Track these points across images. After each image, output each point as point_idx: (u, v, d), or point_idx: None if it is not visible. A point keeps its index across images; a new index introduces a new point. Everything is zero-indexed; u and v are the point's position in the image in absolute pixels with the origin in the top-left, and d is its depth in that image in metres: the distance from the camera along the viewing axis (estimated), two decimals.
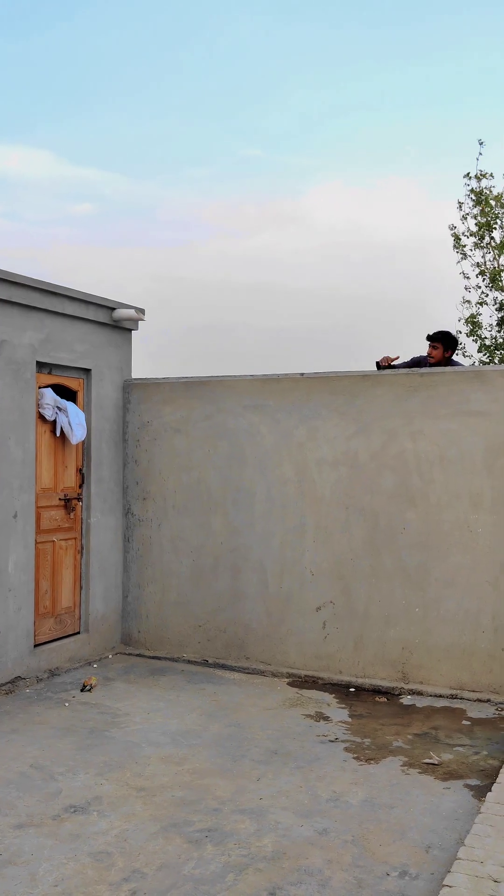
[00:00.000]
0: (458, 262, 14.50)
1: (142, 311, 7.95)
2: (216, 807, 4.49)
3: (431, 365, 7.07)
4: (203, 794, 4.65)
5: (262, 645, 7.22)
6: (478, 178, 14.14)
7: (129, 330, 8.16)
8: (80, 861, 3.89)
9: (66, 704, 6.21)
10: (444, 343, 7.14)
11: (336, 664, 6.91)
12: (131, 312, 7.83)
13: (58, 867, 3.83)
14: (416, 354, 7.35)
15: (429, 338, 7.16)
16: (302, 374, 7.16)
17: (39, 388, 7.00)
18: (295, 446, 7.13)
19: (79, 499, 7.47)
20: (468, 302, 14.44)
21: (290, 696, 6.49)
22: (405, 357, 7.33)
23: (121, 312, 7.80)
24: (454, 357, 7.38)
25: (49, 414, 7.02)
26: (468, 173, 14.29)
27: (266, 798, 4.60)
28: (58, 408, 7.09)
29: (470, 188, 14.24)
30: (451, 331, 7.33)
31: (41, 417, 6.99)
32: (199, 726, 5.78)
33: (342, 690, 6.68)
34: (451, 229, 14.46)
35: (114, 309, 7.77)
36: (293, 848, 4.05)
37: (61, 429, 7.12)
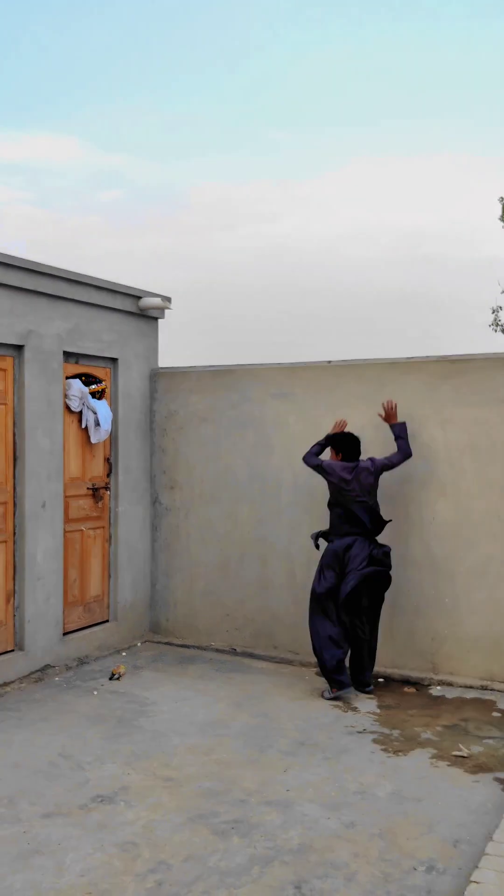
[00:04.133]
0: None
1: (168, 299, 7.92)
2: (243, 798, 4.48)
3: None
4: (230, 785, 4.64)
5: (290, 634, 7.20)
6: None
7: (156, 318, 8.13)
8: (106, 851, 3.90)
9: (95, 693, 6.25)
10: (339, 448, 6.44)
11: None
12: (157, 301, 7.80)
13: (84, 857, 3.85)
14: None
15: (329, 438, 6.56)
16: (329, 362, 7.09)
17: (66, 378, 7.00)
18: (322, 435, 7.06)
19: (107, 488, 7.49)
20: None
21: (318, 686, 6.46)
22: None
23: (147, 301, 7.77)
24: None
25: (75, 405, 7.04)
26: None
27: (293, 790, 4.59)
28: (86, 405, 7.11)
29: None
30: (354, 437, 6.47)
31: (68, 408, 7.01)
32: (227, 716, 5.78)
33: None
34: (501, 200, 14.32)
35: (140, 297, 7.75)
36: (320, 841, 4.03)
37: (86, 423, 7.14)
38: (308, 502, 7.12)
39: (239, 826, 4.16)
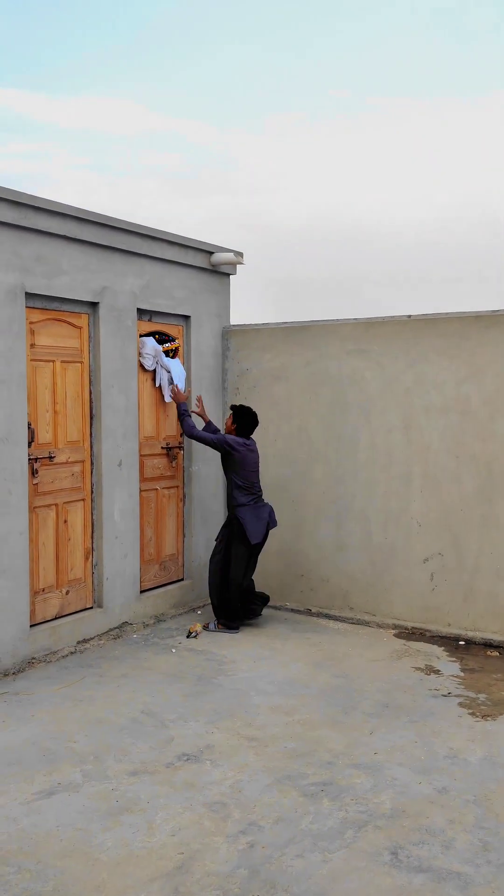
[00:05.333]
0: None
1: (240, 254, 7.74)
2: (329, 760, 4.42)
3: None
4: (315, 747, 4.58)
5: (367, 595, 7.08)
6: None
7: (228, 275, 7.97)
8: (195, 811, 3.88)
9: (173, 651, 6.25)
10: (235, 415, 6.86)
11: (444, 616, 6.71)
12: (230, 256, 7.63)
13: (174, 816, 3.83)
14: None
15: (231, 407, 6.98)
16: (409, 317, 6.85)
17: (140, 336, 6.92)
18: (401, 392, 6.86)
19: (180, 447, 7.42)
20: None
21: (398, 648, 6.35)
22: None
23: (219, 256, 7.61)
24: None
25: (149, 364, 6.96)
26: None
27: (381, 753, 4.50)
28: (160, 364, 7.03)
29: None
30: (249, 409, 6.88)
31: (142, 367, 6.93)
32: (307, 676, 5.71)
33: (451, 643, 6.49)
34: None
35: (212, 253, 7.59)
36: (412, 806, 3.93)
37: (159, 382, 7.07)
38: (385, 461, 6.94)
39: (328, 789, 4.09)
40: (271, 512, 6.89)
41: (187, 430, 6.78)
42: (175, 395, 6.96)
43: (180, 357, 7.35)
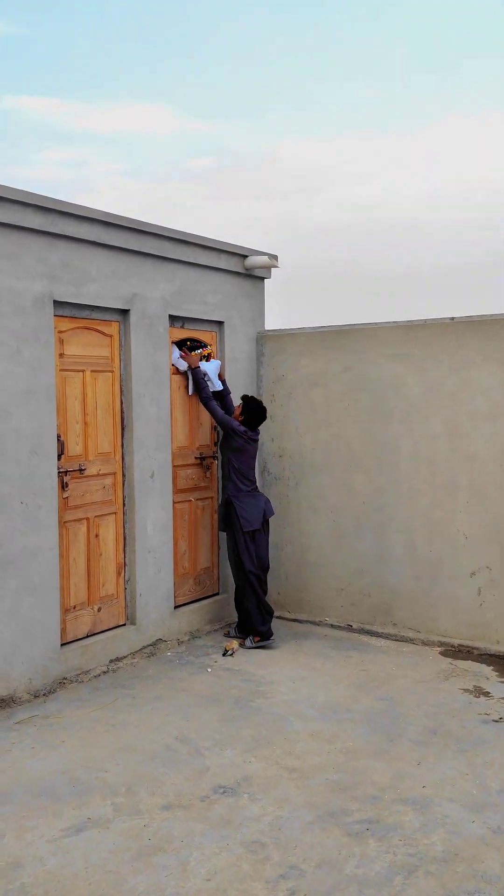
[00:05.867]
0: None
1: (275, 257, 7.50)
2: (375, 794, 4.14)
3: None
4: (359, 779, 4.30)
5: (411, 611, 6.78)
6: None
7: (262, 279, 7.74)
8: (232, 851, 3.63)
9: (209, 670, 6.01)
10: (244, 406, 6.72)
11: (493, 633, 6.38)
12: (264, 259, 7.39)
13: (210, 857, 3.59)
14: None
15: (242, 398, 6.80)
16: (452, 319, 6.54)
17: (172, 343, 6.71)
18: (445, 398, 6.55)
19: (214, 457, 7.19)
20: None
21: (444, 668, 6.04)
22: None
23: (253, 260, 7.37)
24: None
25: (183, 365, 6.75)
26: None
27: (429, 786, 4.21)
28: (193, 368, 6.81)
29: None
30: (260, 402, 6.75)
31: (176, 369, 6.73)
32: (349, 698, 5.44)
33: (500, 662, 6.16)
34: None
35: (246, 256, 7.36)
36: (466, 848, 3.64)
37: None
38: (429, 470, 6.64)
39: (374, 827, 3.82)
40: (267, 501, 6.77)
41: (203, 397, 6.69)
42: (186, 357, 6.73)
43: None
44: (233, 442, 6.62)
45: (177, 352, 6.74)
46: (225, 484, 6.75)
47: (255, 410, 6.69)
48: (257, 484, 7.45)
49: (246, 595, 6.59)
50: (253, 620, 6.57)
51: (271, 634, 6.60)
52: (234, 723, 5.04)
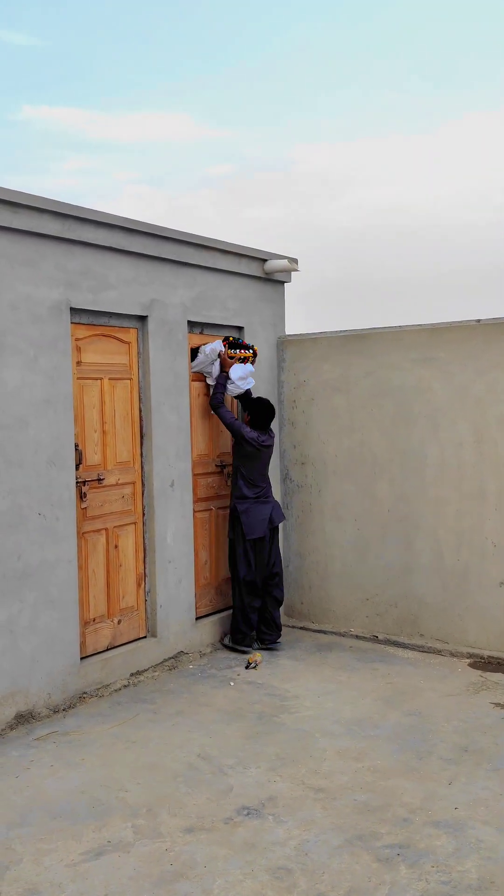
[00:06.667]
0: None
1: (295, 260, 7.36)
2: (405, 816, 3.98)
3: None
4: (389, 799, 4.14)
5: (438, 621, 6.60)
6: None
7: (282, 283, 7.61)
8: (257, 878, 3.48)
9: (232, 684, 5.87)
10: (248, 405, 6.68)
11: None
12: (284, 263, 7.26)
13: (234, 885, 3.44)
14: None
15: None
16: (478, 321, 6.37)
17: (191, 349, 6.59)
18: (472, 402, 6.38)
19: None
20: None
21: (474, 680, 5.86)
22: None
23: (273, 264, 7.25)
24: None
25: (213, 369, 6.64)
26: None
27: (462, 808, 4.04)
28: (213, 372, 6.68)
29: None
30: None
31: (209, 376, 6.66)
32: (376, 713, 5.27)
33: None
34: None
35: (265, 260, 7.23)
36: (502, 874, 3.47)
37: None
38: (456, 477, 6.46)
39: (405, 852, 3.66)
40: (275, 508, 6.68)
41: (214, 402, 6.55)
42: (223, 360, 6.58)
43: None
44: (243, 448, 6.51)
45: (219, 343, 6.57)
46: (233, 489, 6.65)
47: (258, 408, 6.57)
48: (277, 491, 7.32)
49: (234, 600, 6.64)
50: (235, 621, 6.61)
51: (251, 643, 6.58)
52: (258, 739, 4.90)
